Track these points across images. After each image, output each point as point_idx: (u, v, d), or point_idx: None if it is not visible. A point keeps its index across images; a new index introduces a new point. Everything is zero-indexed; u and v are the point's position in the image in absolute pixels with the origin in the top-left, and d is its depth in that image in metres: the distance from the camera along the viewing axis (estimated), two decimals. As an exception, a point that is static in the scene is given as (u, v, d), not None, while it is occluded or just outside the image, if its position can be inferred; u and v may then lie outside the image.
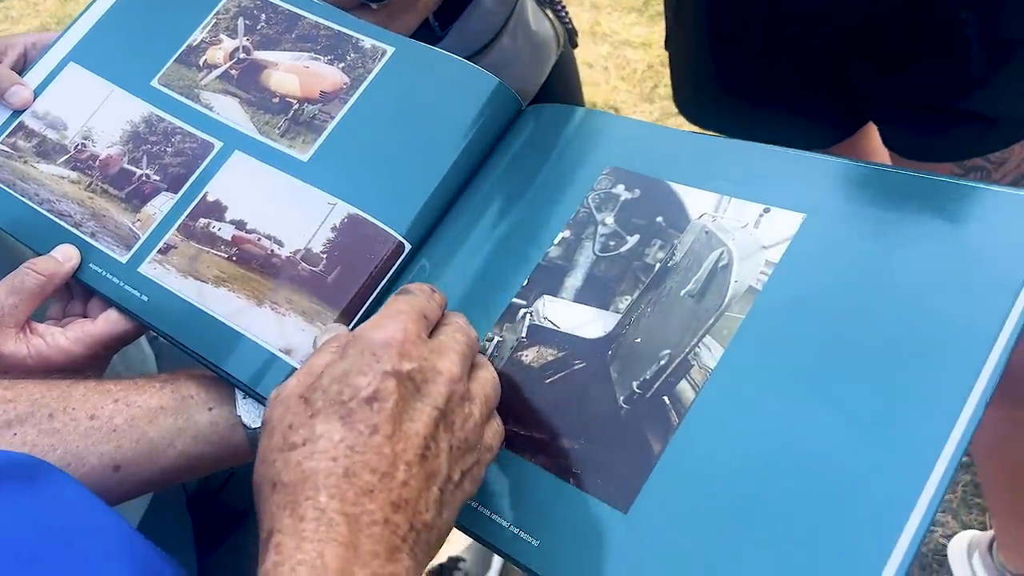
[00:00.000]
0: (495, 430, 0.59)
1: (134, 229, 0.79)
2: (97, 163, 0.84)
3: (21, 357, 0.72)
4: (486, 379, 0.60)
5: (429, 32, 1.09)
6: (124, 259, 0.78)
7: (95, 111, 0.86)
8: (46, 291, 0.75)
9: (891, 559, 0.51)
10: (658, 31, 1.32)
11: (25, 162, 0.85)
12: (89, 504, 0.51)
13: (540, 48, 1.23)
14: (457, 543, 1.87)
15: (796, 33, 1.13)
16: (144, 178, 0.82)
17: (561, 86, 1.31)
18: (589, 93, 2.40)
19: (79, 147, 0.85)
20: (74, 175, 0.84)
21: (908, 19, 1.05)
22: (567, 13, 1.31)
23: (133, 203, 0.81)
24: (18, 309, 0.73)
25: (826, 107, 1.22)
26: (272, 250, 0.76)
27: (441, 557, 1.86)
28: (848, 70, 1.14)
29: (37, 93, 0.88)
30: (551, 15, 1.28)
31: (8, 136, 0.86)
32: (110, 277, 0.77)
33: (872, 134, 1.28)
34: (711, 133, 1.29)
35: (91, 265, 0.78)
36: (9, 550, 0.44)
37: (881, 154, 1.26)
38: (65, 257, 0.77)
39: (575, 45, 1.35)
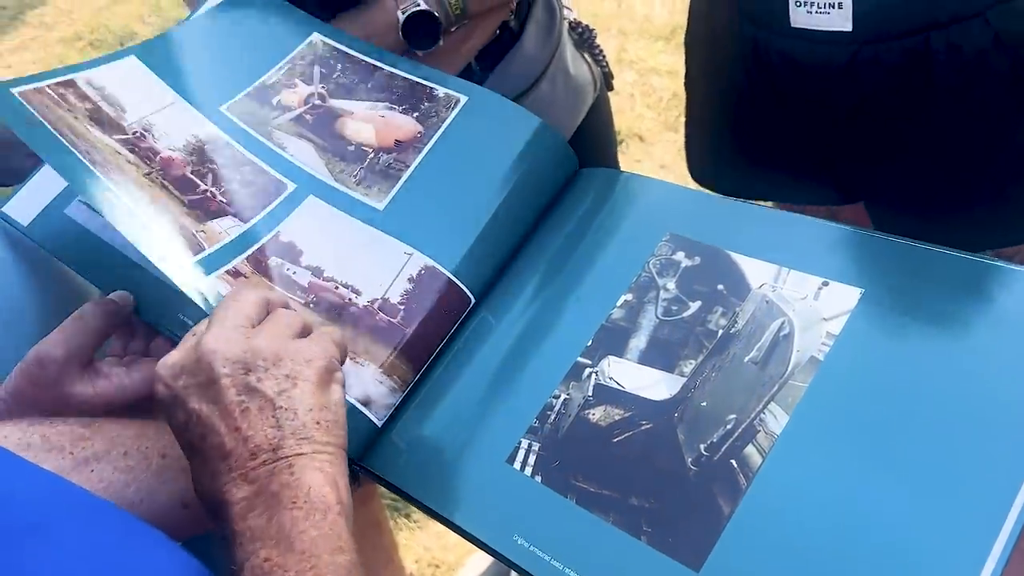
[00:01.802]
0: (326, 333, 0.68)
1: (198, 237, 0.77)
2: (158, 159, 0.80)
3: (88, 396, 0.74)
4: (278, 302, 0.69)
5: (471, 77, 1.12)
6: (190, 260, 0.76)
7: (156, 111, 0.84)
8: (108, 330, 0.77)
9: None
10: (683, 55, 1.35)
11: (76, 118, 0.78)
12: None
13: (577, 93, 1.25)
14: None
15: (793, 111, 1.15)
16: (210, 194, 0.81)
17: (595, 129, 1.33)
18: (614, 121, 2.43)
19: (138, 135, 0.81)
20: (132, 156, 0.79)
21: (894, 118, 1.08)
22: (604, 57, 1.34)
23: (196, 212, 0.79)
24: (82, 349, 0.75)
25: (819, 182, 1.24)
26: (349, 299, 0.77)
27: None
28: (837, 155, 1.16)
29: (91, 66, 0.84)
30: (589, 59, 1.30)
31: (59, 85, 0.79)
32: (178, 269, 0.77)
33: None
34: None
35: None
36: None
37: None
38: (123, 300, 0.79)
39: (611, 88, 1.38)
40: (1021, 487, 0.57)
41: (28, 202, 0.86)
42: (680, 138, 2.51)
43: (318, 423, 0.63)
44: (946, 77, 1.02)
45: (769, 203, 1.34)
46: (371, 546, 1.55)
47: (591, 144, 1.31)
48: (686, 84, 1.37)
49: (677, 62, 2.70)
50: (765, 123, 1.20)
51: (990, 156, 1.08)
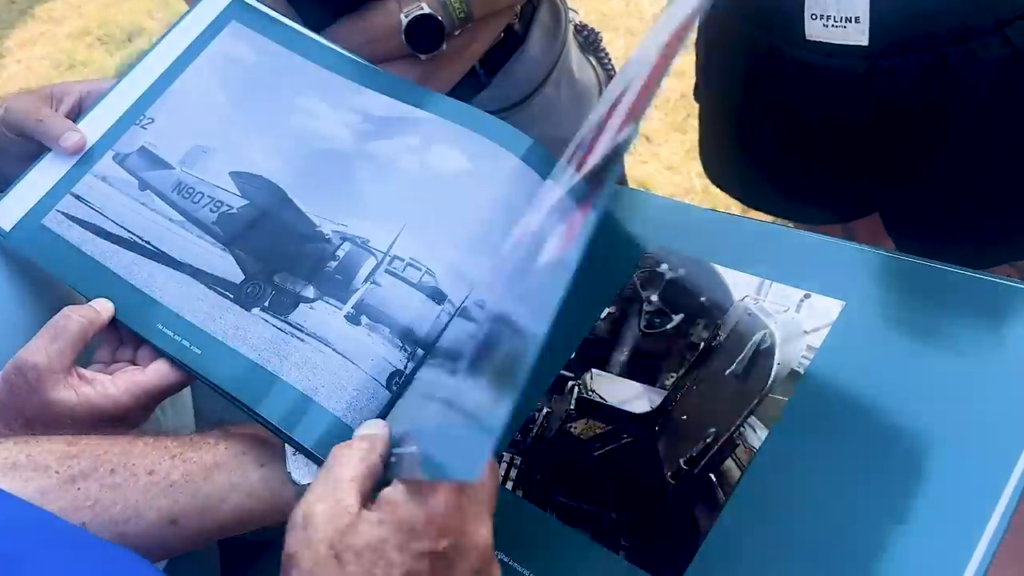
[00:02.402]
0: None
1: None
2: None
3: (71, 404, 0.73)
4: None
5: (474, 79, 1.11)
6: None
7: None
8: (87, 335, 0.76)
9: None
10: (692, 61, 1.34)
11: None
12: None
13: (582, 96, 1.24)
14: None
15: (808, 121, 1.14)
16: None
17: (600, 133, 1.32)
18: (621, 120, 2.43)
19: None
20: None
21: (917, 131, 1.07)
22: (610, 59, 1.33)
23: None
24: (63, 355, 0.74)
25: (836, 195, 1.22)
26: None
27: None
28: (852, 169, 1.15)
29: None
30: (594, 62, 1.29)
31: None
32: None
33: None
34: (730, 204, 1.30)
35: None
36: None
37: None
38: (102, 307, 0.79)
39: (616, 91, 1.37)
40: (1000, 499, 0.57)
41: (10, 208, 0.86)
42: (688, 139, 2.51)
43: None
44: (964, 93, 1.01)
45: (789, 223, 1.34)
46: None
47: (595, 147, 1.30)
48: (697, 88, 1.36)
49: (685, 63, 2.67)
50: (780, 132, 1.19)
51: (1008, 172, 1.07)
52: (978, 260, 1.06)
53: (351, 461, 0.59)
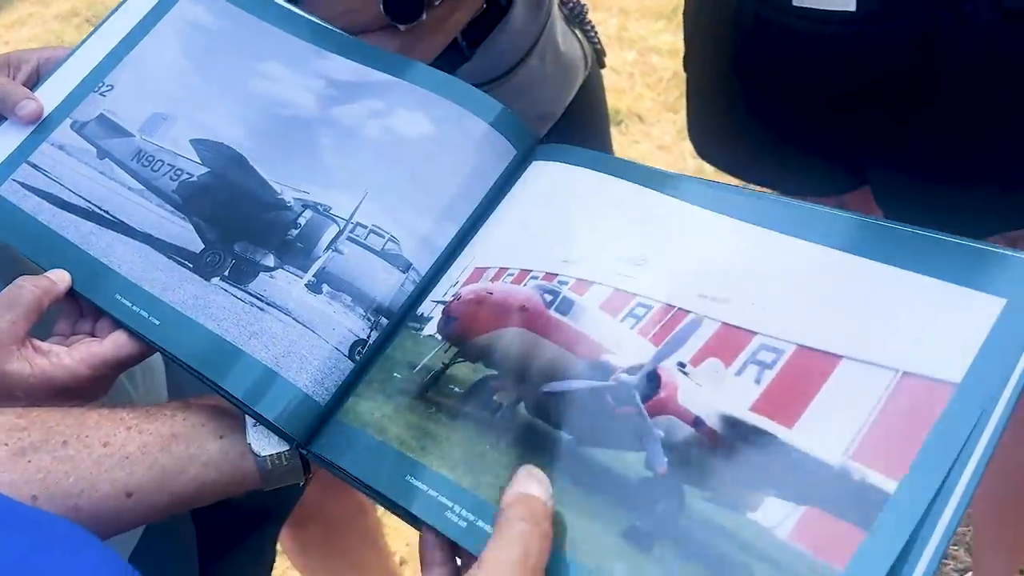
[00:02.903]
0: None
1: None
2: None
3: (24, 376, 0.72)
4: None
5: (456, 52, 1.09)
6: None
7: None
8: (42, 306, 0.75)
9: None
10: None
11: None
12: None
13: (567, 70, 1.23)
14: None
15: (797, 90, 1.13)
16: None
17: (586, 108, 1.30)
18: (613, 100, 2.40)
19: None
20: None
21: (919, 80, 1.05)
22: (596, 33, 1.31)
23: None
24: (16, 325, 0.72)
25: (825, 164, 1.21)
26: None
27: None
28: (842, 137, 1.14)
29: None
30: (580, 35, 1.27)
31: None
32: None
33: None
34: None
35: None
36: None
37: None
38: (58, 278, 0.77)
39: (603, 65, 1.35)
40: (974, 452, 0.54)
41: None
42: (680, 119, 2.49)
43: None
44: (953, 57, 1.00)
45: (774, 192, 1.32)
46: (355, 530, 1.54)
47: (582, 123, 1.28)
48: (685, 60, 1.34)
49: (678, 41, 2.65)
50: (768, 101, 1.17)
51: (998, 137, 1.05)
52: (969, 230, 1.05)
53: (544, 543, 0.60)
